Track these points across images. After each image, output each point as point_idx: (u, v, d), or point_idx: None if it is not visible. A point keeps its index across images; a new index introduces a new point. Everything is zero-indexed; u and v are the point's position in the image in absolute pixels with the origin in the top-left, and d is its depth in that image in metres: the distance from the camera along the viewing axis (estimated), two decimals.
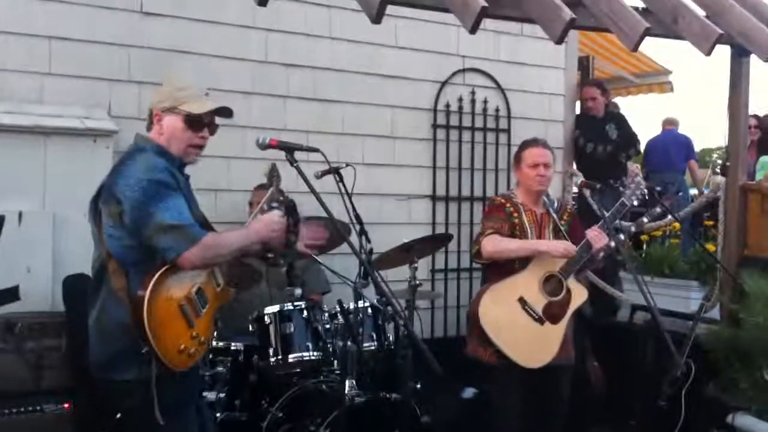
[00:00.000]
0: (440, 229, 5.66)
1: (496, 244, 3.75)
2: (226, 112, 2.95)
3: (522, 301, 3.73)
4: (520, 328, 3.71)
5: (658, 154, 9.04)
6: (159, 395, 2.63)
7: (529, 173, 3.89)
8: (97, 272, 2.79)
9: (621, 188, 4.01)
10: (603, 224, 3.84)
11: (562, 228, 3.91)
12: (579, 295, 3.82)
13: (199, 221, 2.82)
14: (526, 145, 4.00)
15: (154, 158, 2.76)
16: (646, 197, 4.01)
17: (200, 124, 2.88)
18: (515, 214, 3.87)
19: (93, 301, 2.78)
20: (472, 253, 3.93)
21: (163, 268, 2.65)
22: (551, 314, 3.75)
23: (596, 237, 3.76)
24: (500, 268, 3.82)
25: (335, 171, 3.39)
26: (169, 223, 2.62)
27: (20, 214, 3.94)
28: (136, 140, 2.89)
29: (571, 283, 3.80)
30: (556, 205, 4.00)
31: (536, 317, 3.72)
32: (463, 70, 5.84)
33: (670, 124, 9.59)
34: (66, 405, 3.67)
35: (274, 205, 3.02)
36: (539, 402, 3.81)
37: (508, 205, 3.90)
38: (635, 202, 3.93)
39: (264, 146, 3.04)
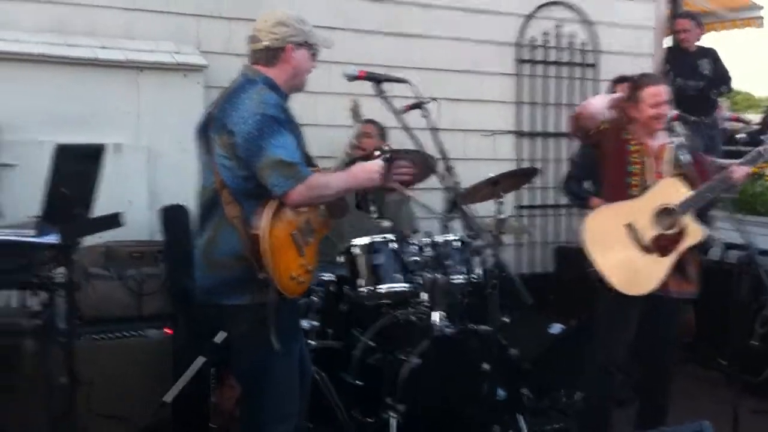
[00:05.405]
0: (525, 166, 5.57)
1: None
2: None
3: (629, 227, 3.62)
4: (622, 252, 3.61)
5: None
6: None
7: (650, 113, 3.69)
8: (207, 201, 2.81)
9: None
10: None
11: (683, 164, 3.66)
12: (692, 235, 3.62)
13: (303, 156, 2.86)
14: (643, 83, 3.78)
15: (266, 92, 2.77)
16: None
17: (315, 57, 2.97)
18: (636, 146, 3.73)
19: (202, 229, 2.83)
20: None
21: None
22: (659, 246, 3.61)
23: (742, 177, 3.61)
24: (615, 192, 3.73)
25: (420, 106, 3.35)
26: (279, 159, 2.64)
27: (117, 147, 4.03)
28: (244, 72, 2.89)
29: (687, 220, 3.62)
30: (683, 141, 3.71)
31: (641, 245, 3.61)
32: (549, 3, 5.69)
33: None
34: (167, 330, 3.79)
35: (386, 155, 3.04)
36: (648, 334, 3.73)
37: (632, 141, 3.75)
38: None
39: (352, 77, 3.04)
